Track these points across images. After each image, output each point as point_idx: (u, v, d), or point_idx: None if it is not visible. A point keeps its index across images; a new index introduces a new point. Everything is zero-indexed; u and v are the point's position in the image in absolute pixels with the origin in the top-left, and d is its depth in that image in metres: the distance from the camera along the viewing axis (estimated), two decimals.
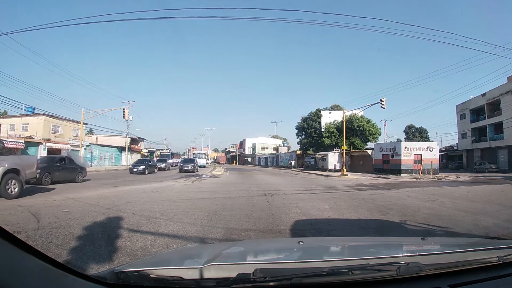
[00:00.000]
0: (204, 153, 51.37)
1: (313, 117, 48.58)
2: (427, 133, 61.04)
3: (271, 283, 0.96)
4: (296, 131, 52.00)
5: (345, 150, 29.97)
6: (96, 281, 0.95)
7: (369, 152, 32.55)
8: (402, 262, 1.06)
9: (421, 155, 25.81)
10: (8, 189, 8.00)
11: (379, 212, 6.93)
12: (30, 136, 30.04)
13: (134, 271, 1.03)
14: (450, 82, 79.04)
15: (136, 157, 46.41)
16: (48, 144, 30.37)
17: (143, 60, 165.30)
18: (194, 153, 50.08)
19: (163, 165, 31.53)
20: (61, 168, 13.90)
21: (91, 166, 33.36)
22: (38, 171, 10.70)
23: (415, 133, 61.59)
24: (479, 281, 1.09)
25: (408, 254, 1.40)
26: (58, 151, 31.64)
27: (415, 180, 20.28)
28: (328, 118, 45.27)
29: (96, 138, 42.69)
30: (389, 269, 1.04)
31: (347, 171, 26.68)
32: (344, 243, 2.11)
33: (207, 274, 1.00)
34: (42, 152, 29.80)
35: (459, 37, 70.41)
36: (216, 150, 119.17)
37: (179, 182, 15.58)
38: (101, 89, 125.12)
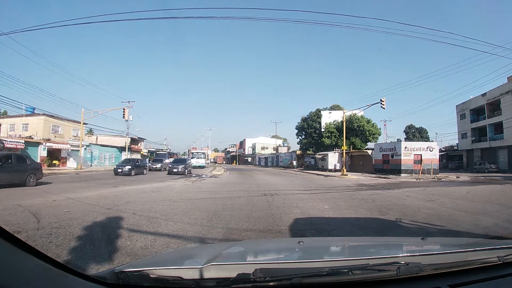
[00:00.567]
0: (203, 153, 46.20)
1: (313, 117, 48.58)
2: (427, 133, 61.10)
3: (271, 283, 0.96)
4: (296, 131, 52.04)
5: (345, 150, 29.96)
6: (96, 281, 0.95)
7: (369, 152, 32.54)
8: (402, 262, 1.06)
9: (421, 155, 25.81)
10: None
11: (379, 212, 6.93)
12: (30, 136, 30.05)
13: (134, 271, 1.03)
14: (450, 82, 79.19)
15: (136, 157, 46.36)
16: (48, 144, 30.36)
17: (143, 60, 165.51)
18: (192, 153, 45.06)
19: (158, 165, 29.81)
20: (4, 168, 10.99)
21: (91, 166, 33.40)
22: None
23: (415, 133, 61.59)
24: (479, 281, 1.09)
25: (408, 254, 1.40)
26: (58, 151, 31.69)
27: (415, 180, 20.28)
28: (328, 118, 45.27)
29: (96, 138, 42.70)
30: (389, 269, 1.04)
31: (347, 171, 26.68)
32: (344, 243, 2.11)
33: (207, 274, 1.00)
34: (42, 152, 29.85)
35: (459, 37, 70.41)
36: (216, 150, 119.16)
37: (179, 182, 15.57)
38: (101, 89, 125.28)
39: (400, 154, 26.27)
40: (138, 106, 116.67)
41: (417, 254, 1.39)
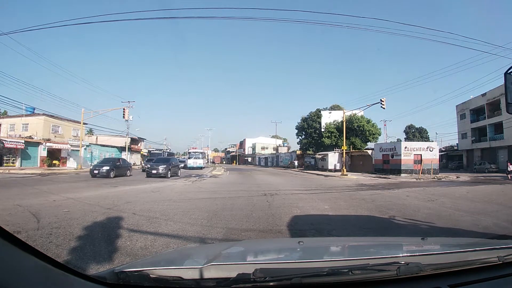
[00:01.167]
0: (202, 152, 40.44)
1: (313, 117, 48.58)
2: (427, 133, 61.11)
3: (271, 283, 0.96)
4: (296, 131, 52.04)
5: (345, 150, 29.96)
6: (96, 281, 0.95)
7: (369, 152, 32.56)
8: (402, 262, 1.06)
9: (421, 155, 25.82)
10: None
11: (379, 212, 6.93)
12: (30, 136, 30.06)
13: (134, 271, 1.03)
14: (450, 82, 79.34)
15: (137, 157, 46.28)
16: (48, 144, 30.38)
17: (143, 60, 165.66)
18: (189, 152, 40.00)
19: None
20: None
21: (91, 166, 33.39)
22: None
23: (415, 133, 61.60)
24: (479, 281, 1.09)
25: (408, 254, 1.40)
26: (58, 151, 31.70)
27: (415, 180, 20.28)
28: (328, 118, 45.27)
29: (96, 138, 42.71)
30: (389, 269, 1.04)
31: (347, 171, 26.68)
32: (344, 243, 2.11)
33: (207, 274, 1.00)
34: (42, 152, 29.85)
35: (459, 37, 70.45)
36: (216, 150, 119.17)
37: (179, 182, 15.57)
38: (101, 89, 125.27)
39: (400, 154, 26.28)
40: (138, 106, 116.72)
41: (417, 254, 1.39)
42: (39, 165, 28.99)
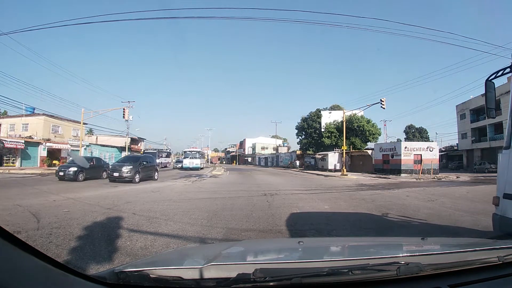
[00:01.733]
0: (199, 152, 36.02)
1: (313, 117, 48.59)
2: (427, 133, 61.11)
3: (271, 283, 0.96)
4: (296, 131, 52.04)
5: (345, 150, 29.96)
6: (96, 281, 0.95)
7: (369, 152, 32.56)
8: (402, 262, 1.06)
9: (421, 155, 25.83)
10: None
11: (379, 212, 6.93)
12: (30, 136, 30.07)
13: (134, 271, 1.03)
14: (450, 82, 79.10)
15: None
16: (48, 144, 30.39)
17: (143, 60, 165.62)
18: (185, 152, 36.08)
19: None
20: None
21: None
22: None
23: (415, 133, 61.61)
24: (479, 281, 1.09)
25: (408, 254, 1.40)
26: (58, 151, 31.71)
27: (415, 180, 20.28)
28: (328, 118, 45.28)
29: (96, 138, 42.71)
30: (389, 269, 1.04)
31: (347, 171, 26.69)
32: (344, 243, 2.11)
33: (207, 274, 1.00)
34: (42, 152, 29.86)
35: (459, 37, 70.47)
36: (216, 150, 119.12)
37: (179, 182, 15.58)
38: (101, 89, 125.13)
39: (400, 154, 26.29)
40: (138, 106, 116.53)
41: (417, 254, 1.39)
42: (39, 165, 28.97)
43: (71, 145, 32.67)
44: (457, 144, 45.46)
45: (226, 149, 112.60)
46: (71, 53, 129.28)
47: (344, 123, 30.95)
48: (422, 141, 45.29)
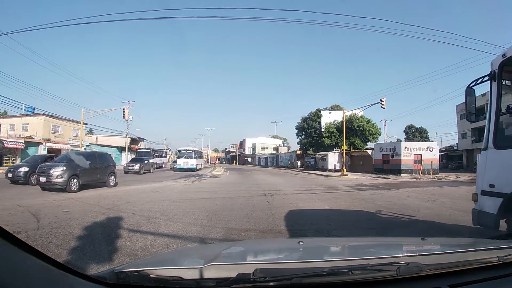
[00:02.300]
0: (194, 151, 31.67)
1: (313, 117, 48.59)
2: (427, 133, 61.05)
3: (271, 283, 0.95)
4: (296, 131, 52.06)
5: (345, 150, 29.97)
6: (96, 281, 0.95)
7: (369, 152, 32.57)
8: (402, 262, 1.06)
9: (421, 155, 25.83)
10: None
11: (379, 213, 6.93)
12: (30, 136, 30.07)
13: (134, 271, 1.03)
14: (450, 82, 79.10)
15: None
16: (48, 144, 30.38)
17: (143, 60, 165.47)
18: (179, 150, 32.25)
19: (136, 166, 24.12)
20: None
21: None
22: None
23: (415, 133, 61.57)
24: (479, 281, 1.09)
25: (408, 254, 1.40)
26: (58, 151, 31.69)
27: (415, 180, 20.28)
28: (328, 118, 45.28)
29: (96, 138, 42.72)
30: (389, 269, 1.04)
31: (347, 171, 26.69)
32: (344, 243, 2.11)
33: (207, 274, 1.00)
34: (42, 152, 29.83)
35: (459, 37, 70.48)
36: (216, 150, 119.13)
37: (179, 182, 15.58)
38: (101, 89, 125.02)
39: (400, 154, 26.30)
40: (138, 106, 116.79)
41: (417, 254, 1.39)
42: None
43: (71, 145, 32.66)
44: (457, 144, 45.44)
45: (226, 149, 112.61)
46: (71, 53, 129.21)
47: (344, 123, 30.95)
48: (422, 141, 45.28)
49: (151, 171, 26.81)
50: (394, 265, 1.05)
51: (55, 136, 33.61)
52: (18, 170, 12.78)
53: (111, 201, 7.87)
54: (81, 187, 10.58)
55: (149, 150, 37.27)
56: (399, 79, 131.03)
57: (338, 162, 33.77)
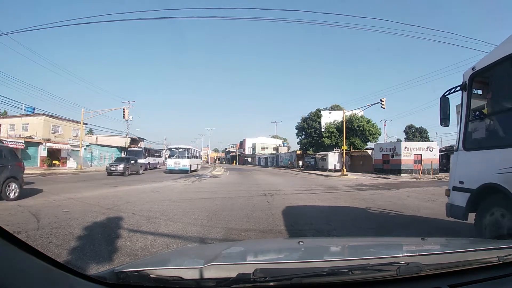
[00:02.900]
0: (187, 149, 26.87)
1: (313, 117, 48.58)
2: (427, 133, 61.00)
3: (271, 283, 0.95)
4: (296, 131, 52.03)
5: (345, 150, 29.96)
6: (96, 281, 0.95)
7: (369, 152, 32.57)
8: (402, 262, 1.06)
9: (421, 155, 25.83)
10: None
11: (379, 213, 6.93)
12: (30, 136, 30.06)
13: (134, 271, 1.03)
14: (450, 82, 78.91)
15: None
16: (48, 144, 30.36)
17: (143, 60, 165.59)
18: (170, 149, 28.27)
19: (120, 167, 20.44)
20: None
21: (91, 166, 33.34)
22: None
23: (415, 133, 61.53)
24: (479, 281, 1.09)
25: (408, 254, 1.40)
26: (58, 151, 31.71)
27: (415, 180, 20.28)
28: (328, 118, 45.26)
29: (96, 138, 42.71)
30: (389, 269, 1.04)
31: (347, 171, 26.69)
32: (344, 243, 2.11)
33: (207, 274, 1.00)
34: (42, 152, 29.84)
35: (459, 37, 70.47)
36: (216, 150, 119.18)
37: (179, 182, 15.58)
38: (101, 89, 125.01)
39: (400, 154, 26.29)
40: (138, 106, 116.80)
41: (417, 254, 1.39)
42: (39, 165, 28.91)
43: (71, 145, 32.63)
44: None
45: (226, 149, 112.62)
46: (71, 53, 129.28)
47: (344, 123, 30.95)
48: (422, 141, 45.24)
49: (140, 172, 23.74)
50: (394, 265, 1.05)
51: (55, 136, 33.60)
52: None
53: (111, 201, 7.87)
54: None
55: (140, 149, 33.39)
56: (399, 79, 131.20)
57: (338, 162, 33.76)
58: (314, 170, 36.51)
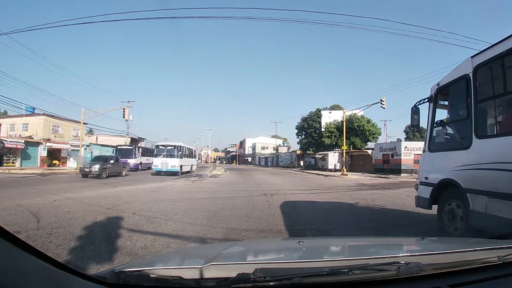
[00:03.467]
0: (177, 146, 22.66)
1: (313, 117, 48.55)
2: None
3: (271, 283, 0.96)
4: (296, 131, 52.01)
5: (345, 150, 29.96)
6: (96, 281, 0.95)
7: (369, 152, 32.56)
8: (402, 262, 1.06)
9: (421, 155, 25.78)
10: None
11: (379, 212, 6.93)
12: (30, 136, 30.07)
13: (134, 271, 1.03)
14: None
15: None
16: (48, 144, 30.39)
17: (143, 60, 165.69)
18: (157, 146, 23.83)
19: (95, 168, 16.73)
20: None
21: None
22: None
23: (415, 133, 61.50)
24: (479, 281, 1.09)
25: (408, 254, 1.40)
26: (58, 151, 31.72)
27: (415, 180, 20.21)
28: (328, 118, 45.23)
29: (96, 138, 42.71)
30: (389, 269, 1.04)
31: (347, 171, 26.69)
32: (344, 243, 2.11)
33: (207, 274, 1.00)
34: (42, 152, 29.87)
35: (460, 37, 70.49)
36: (216, 150, 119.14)
37: (179, 182, 15.58)
38: (101, 89, 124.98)
39: (400, 154, 26.27)
40: (138, 106, 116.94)
41: (417, 254, 1.39)
42: (39, 165, 28.94)
43: (71, 145, 32.65)
44: None
45: (226, 149, 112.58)
46: (71, 53, 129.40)
47: (344, 122, 30.95)
48: (422, 141, 45.18)
49: (123, 173, 19.87)
50: (394, 265, 1.05)
51: (55, 136, 33.61)
52: None
53: (111, 201, 7.87)
54: None
55: (131, 148, 29.49)
56: (399, 79, 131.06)
57: (338, 162, 33.76)
58: (314, 170, 36.50)
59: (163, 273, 1.01)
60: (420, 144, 28.32)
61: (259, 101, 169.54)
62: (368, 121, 40.86)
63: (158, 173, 21.38)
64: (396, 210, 6.31)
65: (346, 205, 8.27)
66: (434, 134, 4.80)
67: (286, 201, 8.60)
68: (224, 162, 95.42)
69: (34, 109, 31.55)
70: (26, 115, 31.60)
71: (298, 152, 51.76)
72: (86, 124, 35.09)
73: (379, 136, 42.11)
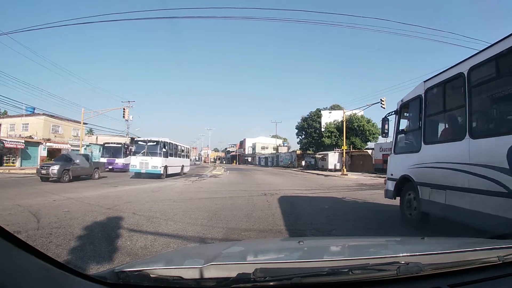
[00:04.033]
0: (159, 142, 17.49)
1: (313, 117, 48.55)
2: None
3: (271, 283, 0.95)
4: (296, 131, 52.02)
5: (345, 150, 29.97)
6: (96, 281, 0.95)
7: (369, 152, 32.58)
8: (402, 262, 1.06)
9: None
10: None
11: (379, 212, 6.93)
12: (30, 136, 30.09)
13: (134, 270, 1.03)
14: None
15: None
16: (48, 144, 30.40)
17: (143, 60, 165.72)
18: (136, 141, 19.40)
19: (54, 169, 13.64)
20: None
21: None
22: None
23: None
24: (479, 281, 1.09)
25: (408, 254, 1.40)
26: (58, 151, 31.72)
27: None
28: (328, 117, 45.22)
29: (96, 138, 42.69)
30: (389, 269, 1.04)
31: (347, 171, 26.70)
32: (344, 243, 2.11)
33: (207, 274, 1.00)
34: (42, 152, 29.87)
35: (460, 37, 70.47)
36: (216, 150, 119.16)
37: (179, 182, 15.58)
38: (101, 88, 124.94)
39: None
40: (138, 106, 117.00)
41: (417, 253, 1.39)
42: (39, 165, 28.95)
43: (71, 145, 32.67)
44: None
45: (226, 148, 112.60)
46: (71, 53, 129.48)
47: (344, 122, 30.95)
48: None
49: (95, 176, 16.48)
50: (394, 264, 1.05)
51: (55, 136, 33.63)
52: None
53: (111, 201, 7.87)
54: None
55: (119, 146, 25.90)
56: (399, 79, 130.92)
57: (338, 162, 33.76)
58: (314, 169, 36.50)
59: (163, 273, 1.01)
60: None
61: (259, 101, 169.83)
62: (368, 121, 40.87)
63: (138, 175, 17.44)
64: (396, 210, 6.32)
65: (346, 205, 8.31)
66: (398, 140, 5.98)
67: (286, 201, 8.60)
68: (224, 162, 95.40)
69: (34, 109, 31.57)
70: (26, 115, 31.61)
71: (298, 152, 51.75)
72: (86, 124, 35.11)
73: (379, 136, 42.14)
